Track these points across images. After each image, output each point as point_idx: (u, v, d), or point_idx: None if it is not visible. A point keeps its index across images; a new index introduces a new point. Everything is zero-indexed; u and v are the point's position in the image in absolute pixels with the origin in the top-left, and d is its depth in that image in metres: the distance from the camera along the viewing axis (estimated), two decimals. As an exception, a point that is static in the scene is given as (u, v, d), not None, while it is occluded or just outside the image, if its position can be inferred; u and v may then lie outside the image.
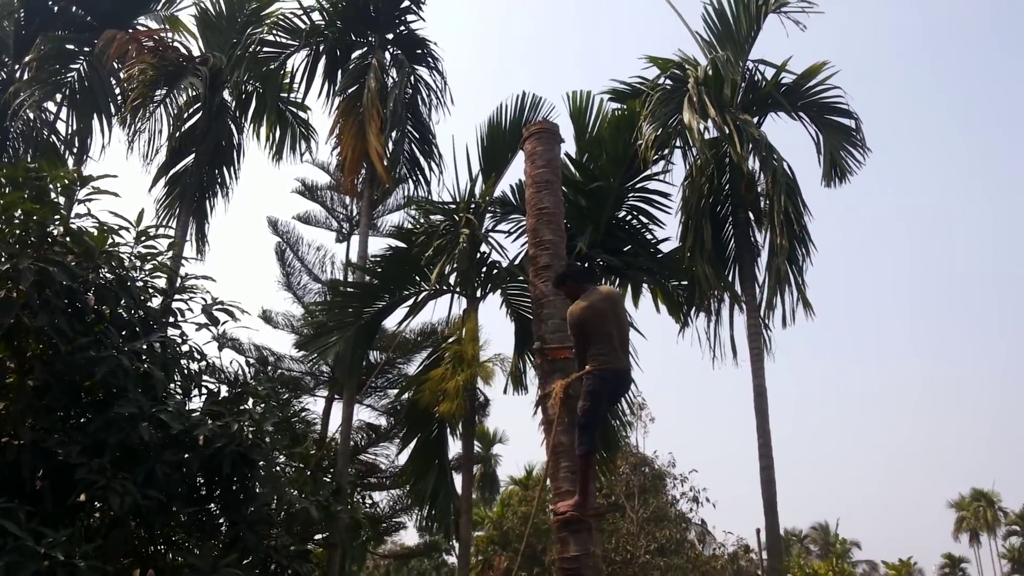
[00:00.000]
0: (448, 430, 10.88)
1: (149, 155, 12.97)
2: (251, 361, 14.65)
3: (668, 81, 12.35)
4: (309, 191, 18.31)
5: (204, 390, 6.97)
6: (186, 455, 6.09)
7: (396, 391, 15.43)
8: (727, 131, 10.84)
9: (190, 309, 6.99)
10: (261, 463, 6.38)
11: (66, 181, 5.76)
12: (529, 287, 7.68)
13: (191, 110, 13.90)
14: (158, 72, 12.38)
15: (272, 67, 13.47)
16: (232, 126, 14.57)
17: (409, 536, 36.79)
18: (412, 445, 10.87)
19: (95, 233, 6.03)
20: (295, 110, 14.82)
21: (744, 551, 29.84)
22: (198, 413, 6.40)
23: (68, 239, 5.62)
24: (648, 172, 11.38)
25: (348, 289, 10.85)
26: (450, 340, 11.29)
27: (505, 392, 11.81)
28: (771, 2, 12.13)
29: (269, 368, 14.53)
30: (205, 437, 6.10)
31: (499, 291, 11.73)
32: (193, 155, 13.98)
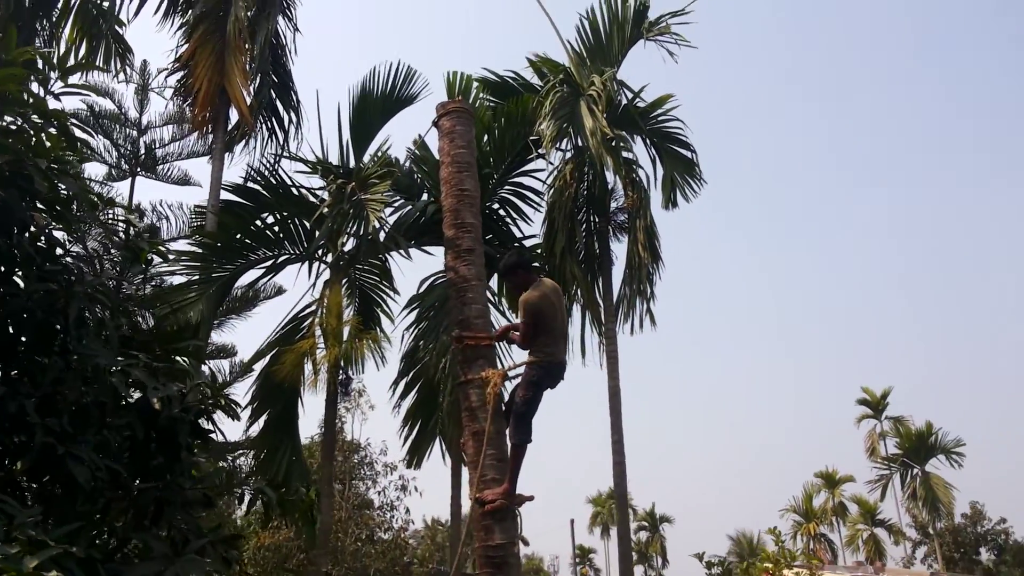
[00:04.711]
0: (299, 405, 10.14)
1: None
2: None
3: (539, 83, 12.64)
4: (95, 119, 15.91)
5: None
6: (127, 420, 5.12)
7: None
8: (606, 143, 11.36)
9: (108, 241, 5.89)
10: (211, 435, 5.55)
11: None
12: (447, 270, 7.47)
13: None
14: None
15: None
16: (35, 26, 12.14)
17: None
18: (263, 419, 9.96)
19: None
20: (115, 25, 12.72)
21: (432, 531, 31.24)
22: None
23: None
24: (525, 167, 11.56)
25: (215, 244, 9.61)
26: (307, 311, 10.54)
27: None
28: (645, 29, 12.92)
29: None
30: (160, 401, 5.16)
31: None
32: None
